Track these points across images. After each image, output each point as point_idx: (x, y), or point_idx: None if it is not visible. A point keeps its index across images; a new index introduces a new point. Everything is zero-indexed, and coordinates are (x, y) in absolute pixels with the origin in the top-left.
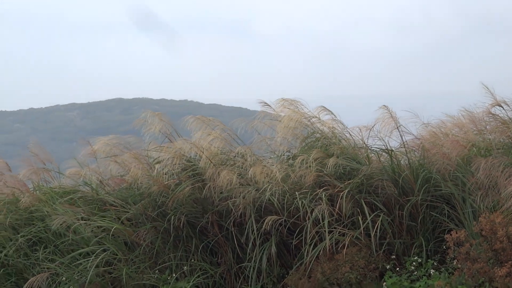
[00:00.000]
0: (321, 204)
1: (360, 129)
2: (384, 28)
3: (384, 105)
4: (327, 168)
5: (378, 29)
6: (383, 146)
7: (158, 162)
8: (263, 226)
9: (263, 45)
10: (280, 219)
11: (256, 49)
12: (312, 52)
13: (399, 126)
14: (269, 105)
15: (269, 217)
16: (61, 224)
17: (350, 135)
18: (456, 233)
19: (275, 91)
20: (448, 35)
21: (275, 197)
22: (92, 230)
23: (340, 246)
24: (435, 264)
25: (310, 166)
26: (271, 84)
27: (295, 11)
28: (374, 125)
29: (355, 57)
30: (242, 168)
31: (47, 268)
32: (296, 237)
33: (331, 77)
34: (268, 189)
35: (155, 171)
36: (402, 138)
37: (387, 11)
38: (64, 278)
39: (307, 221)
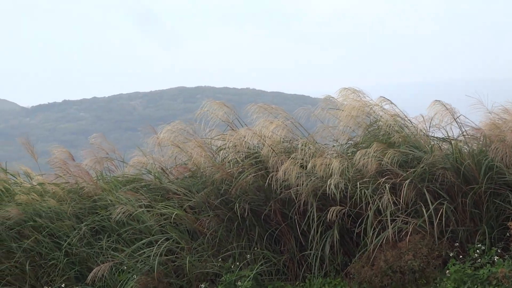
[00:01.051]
0: (383, 194)
1: (422, 117)
2: (435, 14)
3: (437, 100)
4: (388, 158)
5: (428, 16)
6: (443, 135)
7: (221, 150)
8: (328, 217)
9: (317, 34)
10: (343, 209)
11: (310, 38)
12: (365, 39)
13: (458, 117)
14: (332, 97)
15: (332, 208)
16: (124, 213)
17: (412, 123)
18: None
19: (336, 79)
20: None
21: (337, 189)
22: (155, 219)
23: (403, 234)
24: (499, 251)
25: (371, 157)
26: (332, 72)
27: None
28: (433, 116)
29: (407, 43)
30: (303, 159)
31: (111, 257)
32: (358, 225)
33: (386, 65)
34: (329, 181)
35: (218, 158)
36: (460, 128)
37: None
38: (126, 267)
39: (369, 211)
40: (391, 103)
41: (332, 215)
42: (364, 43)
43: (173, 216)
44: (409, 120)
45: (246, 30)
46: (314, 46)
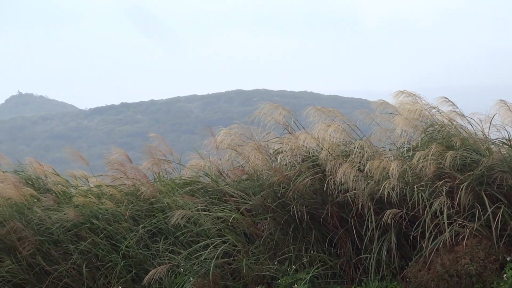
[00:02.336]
0: (440, 197)
1: (480, 120)
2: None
3: (502, 100)
4: (446, 161)
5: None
6: (502, 137)
7: (278, 153)
8: (383, 220)
9: (372, 38)
10: (399, 212)
11: (366, 41)
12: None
13: None
14: (388, 103)
15: (388, 211)
16: (180, 217)
17: (471, 125)
18: None
19: (392, 82)
20: None
21: (393, 191)
22: (212, 221)
23: (460, 238)
24: None
25: (429, 160)
26: (387, 75)
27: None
28: (493, 116)
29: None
30: (360, 162)
31: (168, 260)
32: (415, 229)
33: (438, 68)
34: (386, 184)
35: (275, 161)
36: None
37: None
38: (182, 269)
39: (426, 215)
40: (453, 104)
41: (388, 218)
42: (419, 46)
43: (230, 220)
44: (468, 121)
45: (302, 34)
46: (370, 50)
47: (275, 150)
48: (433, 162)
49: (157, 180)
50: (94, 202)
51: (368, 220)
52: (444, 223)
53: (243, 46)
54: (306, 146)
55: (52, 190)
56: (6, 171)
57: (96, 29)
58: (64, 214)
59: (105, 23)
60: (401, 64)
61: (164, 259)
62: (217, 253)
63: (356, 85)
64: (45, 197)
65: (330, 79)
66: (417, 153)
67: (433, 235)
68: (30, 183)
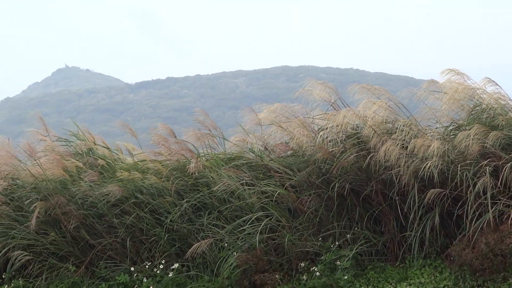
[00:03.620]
0: (484, 176)
1: None
2: None
3: None
4: (491, 140)
5: None
6: None
7: (323, 130)
8: (425, 199)
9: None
10: (443, 191)
11: (414, 20)
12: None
13: None
14: (435, 81)
15: (431, 190)
16: (225, 190)
17: None
18: None
19: (440, 61)
20: None
21: (436, 170)
22: (256, 196)
23: (505, 217)
24: None
25: (472, 139)
26: (434, 53)
27: None
28: None
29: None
30: (405, 140)
31: (211, 234)
32: (459, 208)
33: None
34: (429, 163)
35: (320, 138)
36: None
37: None
38: (226, 244)
39: (469, 194)
40: (496, 84)
41: (431, 197)
42: (469, 25)
43: (275, 195)
44: None
45: (349, 8)
46: (418, 29)
47: (320, 127)
48: (477, 142)
49: (201, 155)
50: (139, 177)
51: (411, 198)
52: (488, 202)
53: (289, 20)
54: (350, 123)
55: (98, 164)
56: (54, 141)
57: (143, 1)
58: (108, 189)
59: None
60: (451, 44)
61: (208, 233)
62: (261, 227)
63: (403, 62)
64: (90, 170)
65: (378, 56)
66: (460, 133)
67: (476, 214)
68: (79, 153)
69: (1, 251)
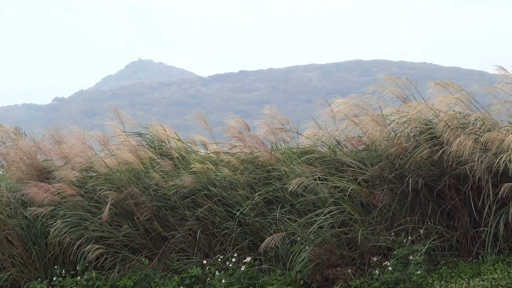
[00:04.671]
0: None
1: None
2: None
3: None
4: None
5: None
6: None
7: (396, 124)
8: (499, 194)
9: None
10: None
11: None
12: None
13: None
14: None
15: (505, 185)
16: (298, 185)
17: None
18: None
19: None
20: None
21: (511, 163)
22: (329, 191)
23: None
24: None
25: None
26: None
27: None
28: None
29: None
30: (478, 134)
31: (283, 227)
32: None
33: None
34: (504, 157)
35: (393, 133)
36: None
37: None
38: (299, 238)
39: None
40: None
41: (505, 191)
42: None
43: (349, 191)
44: None
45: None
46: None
47: (392, 121)
48: None
49: (274, 148)
50: (211, 169)
51: (485, 193)
52: None
53: (362, 14)
54: (423, 118)
55: (171, 155)
56: (128, 133)
57: None
58: (181, 180)
59: None
60: None
61: (280, 227)
62: (334, 222)
63: (477, 57)
64: (163, 162)
65: (451, 50)
66: None
67: None
68: (152, 146)
69: (75, 242)
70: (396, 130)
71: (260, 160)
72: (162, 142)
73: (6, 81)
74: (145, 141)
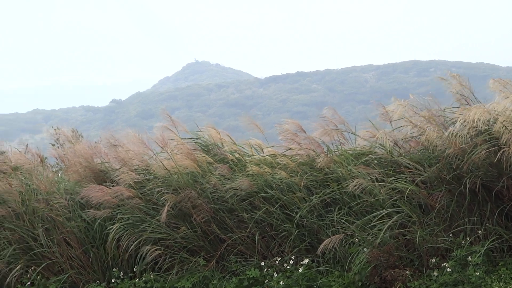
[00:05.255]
0: None
1: None
2: None
3: None
4: None
5: None
6: None
7: (454, 125)
8: None
9: None
10: None
11: None
12: None
13: None
14: None
15: None
16: (356, 186)
17: None
18: None
19: None
20: None
21: None
22: (386, 192)
23: None
24: None
25: None
26: None
27: None
28: None
29: None
30: None
31: (341, 229)
32: None
33: None
34: None
35: (450, 133)
36: None
37: None
38: (357, 239)
39: None
40: None
41: None
42: None
43: (407, 192)
44: None
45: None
46: None
47: (450, 122)
48: None
49: (331, 150)
50: (268, 172)
51: None
52: None
53: (418, 14)
54: (481, 119)
55: (227, 158)
56: (184, 138)
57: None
58: (238, 183)
59: None
60: None
61: (338, 229)
62: (392, 223)
63: None
64: (220, 165)
65: (509, 49)
66: None
67: None
68: (206, 150)
69: (133, 244)
70: (453, 130)
71: (317, 163)
72: (217, 145)
73: (64, 83)
74: (201, 145)
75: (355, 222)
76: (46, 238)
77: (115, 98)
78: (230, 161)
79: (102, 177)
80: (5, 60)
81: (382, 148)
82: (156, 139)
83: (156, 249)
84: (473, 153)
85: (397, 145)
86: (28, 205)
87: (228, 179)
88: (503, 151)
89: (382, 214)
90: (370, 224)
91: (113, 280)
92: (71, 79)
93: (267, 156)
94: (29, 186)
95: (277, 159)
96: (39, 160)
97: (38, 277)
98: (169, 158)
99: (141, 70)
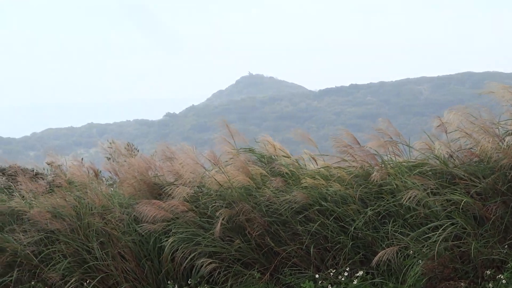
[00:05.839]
0: None
1: None
2: None
3: None
4: None
5: None
6: None
7: (508, 136)
8: None
9: None
10: None
11: None
12: None
13: None
14: None
15: None
16: (410, 198)
17: None
18: None
19: None
20: None
21: None
22: (441, 204)
23: None
24: None
25: None
26: None
27: None
28: None
29: None
30: None
31: (396, 242)
32: None
33: None
34: None
35: (506, 144)
36: None
37: None
38: (411, 251)
39: None
40: None
41: None
42: None
43: (462, 204)
44: None
45: None
46: None
47: (506, 132)
48: None
49: (386, 162)
50: (323, 184)
51: None
52: None
53: (470, 26)
54: None
55: (281, 171)
56: (240, 148)
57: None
58: (293, 196)
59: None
60: None
61: (393, 241)
62: (446, 235)
63: None
64: (274, 178)
65: None
66: None
67: None
68: (262, 161)
69: (187, 257)
70: (509, 141)
71: (371, 175)
72: (272, 158)
73: (118, 97)
74: (255, 157)
75: (409, 234)
76: (101, 251)
77: (169, 112)
78: (284, 174)
79: (157, 191)
80: (63, 75)
81: (437, 160)
82: (208, 156)
83: (210, 262)
84: None
85: (452, 156)
86: (83, 219)
87: (283, 192)
88: None
89: (436, 226)
90: (424, 236)
91: None
92: (124, 95)
93: (322, 169)
94: (84, 200)
95: (331, 171)
96: (93, 174)
97: None
98: (222, 172)
99: (194, 83)
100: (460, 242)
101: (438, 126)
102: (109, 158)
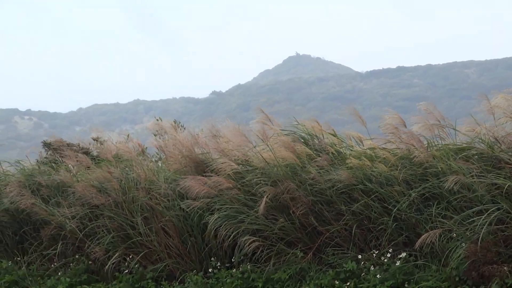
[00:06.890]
0: None
1: None
2: None
3: None
4: None
5: None
6: None
7: None
8: None
9: None
10: None
11: None
12: None
13: None
14: None
15: None
16: (454, 181)
17: None
18: None
19: None
20: None
21: None
22: (486, 188)
23: None
24: None
25: None
26: None
27: None
28: None
29: None
30: None
31: (439, 224)
32: None
33: None
34: None
35: None
36: None
37: None
38: (455, 234)
39: None
40: None
41: None
42: None
43: (505, 187)
44: None
45: None
46: None
47: None
48: None
49: (430, 145)
50: (368, 165)
51: None
52: None
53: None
54: None
55: (327, 150)
56: (283, 129)
57: None
58: (337, 175)
59: None
60: None
61: (436, 224)
62: (490, 219)
63: None
64: (319, 157)
65: None
66: None
67: None
68: (306, 142)
69: (231, 235)
70: None
71: (416, 157)
72: (318, 137)
73: (165, 75)
74: (301, 137)
75: (453, 217)
76: (145, 226)
77: (215, 90)
78: (330, 154)
79: (202, 167)
80: (110, 53)
81: (483, 143)
82: (257, 132)
83: (254, 240)
84: None
85: (498, 140)
86: (128, 194)
87: (327, 171)
88: None
89: (480, 210)
90: (468, 219)
91: (210, 270)
92: (171, 71)
93: (367, 149)
94: (129, 175)
95: (376, 152)
96: (140, 149)
97: (136, 265)
98: (268, 150)
99: (241, 61)
100: (504, 226)
101: (486, 109)
102: (156, 135)
